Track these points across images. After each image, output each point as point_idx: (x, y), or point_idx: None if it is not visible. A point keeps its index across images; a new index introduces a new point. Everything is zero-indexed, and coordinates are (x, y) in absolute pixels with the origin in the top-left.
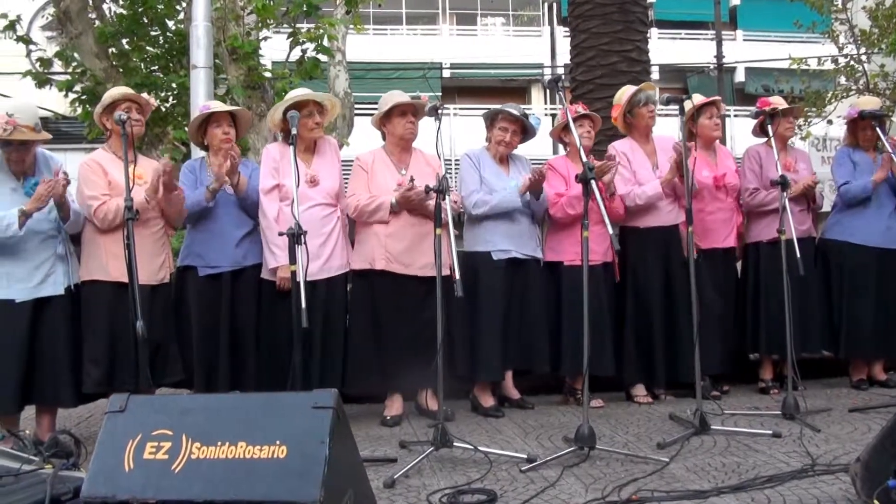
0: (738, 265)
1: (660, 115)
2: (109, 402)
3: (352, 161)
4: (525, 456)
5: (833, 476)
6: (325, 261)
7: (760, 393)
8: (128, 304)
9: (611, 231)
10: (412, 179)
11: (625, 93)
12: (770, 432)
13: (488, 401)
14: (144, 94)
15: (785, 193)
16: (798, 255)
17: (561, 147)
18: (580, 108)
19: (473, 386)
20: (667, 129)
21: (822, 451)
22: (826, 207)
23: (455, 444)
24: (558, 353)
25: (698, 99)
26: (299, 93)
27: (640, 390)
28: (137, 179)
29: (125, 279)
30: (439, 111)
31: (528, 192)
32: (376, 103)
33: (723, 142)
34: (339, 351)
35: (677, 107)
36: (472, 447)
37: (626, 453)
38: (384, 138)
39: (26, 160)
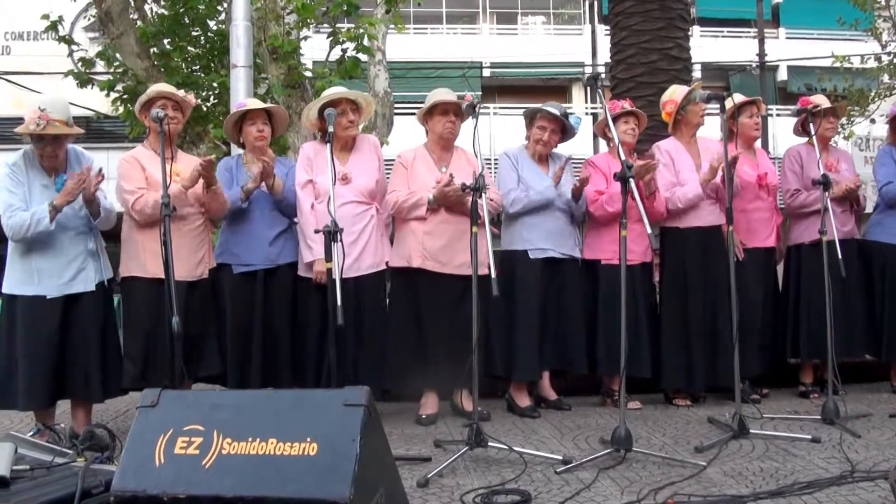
0: (780, 268)
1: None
2: (141, 396)
3: (394, 160)
4: (560, 457)
5: (872, 483)
6: (355, 259)
7: (800, 397)
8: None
9: (649, 231)
10: (451, 176)
11: (677, 90)
12: (809, 437)
13: (524, 401)
14: (182, 92)
15: (827, 194)
16: (840, 256)
17: (603, 144)
18: (626, 105)
19: (509, 386)
20: (707, 127)
21: (861, 458)
22: (869, 208)
23: (490, 443)
24: (596, 354)
25: (739, 98)
26: (333, 91)
27: (678, 393)
28: (175, 176)
29: (163, 275)
30: (476, 108)
31: (560, 184)
32: (416, 102)
33: (764, 141)
34: (371, 349)
35: (718, 105)
36: (506, 447)
37: (662, 456)
38: (427, 135)
39: (59, 155)
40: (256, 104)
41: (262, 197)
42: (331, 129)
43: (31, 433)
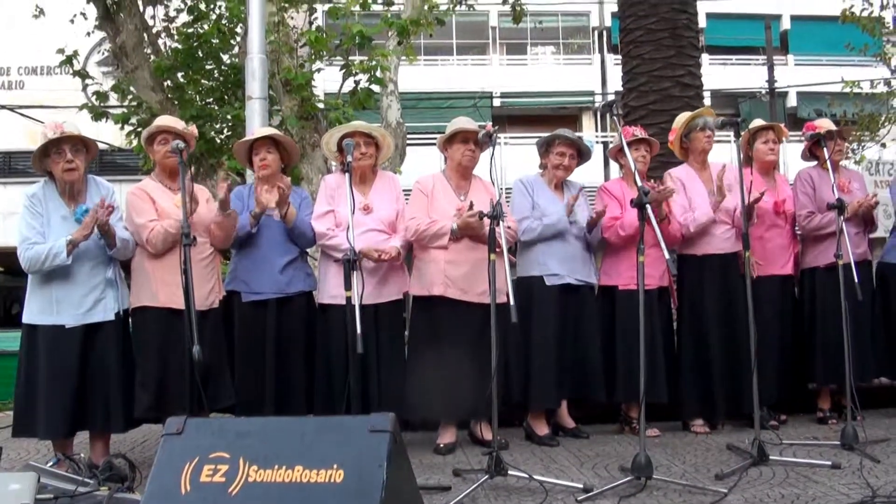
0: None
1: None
2: (166, 424)
3: (409, 190)
4: (581, 485)
5: None
6: (374, 286)
7: (818, 423)
8: (177, 330)
9: (667, 256)
10: (472, 205)
11: (681, 118)
12: (829, 463)
13: (542, 429)
14: (182, 124)
15: (841, 217)
16: (857, 280)
17: (615, 170)
18: (638, 132)
19: (527, 414)
20: (721, 153)
21: (882, 483)
22: (880, 232)
23: (510, 472)
24: (613, 380)
25: (758, 123)
26: (349, 124)
27: (697, 420)
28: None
29: (174, 305)
30: (493, 136)
31: (574, 214)
32: (428, 133)
33: (776, 168)
34: (391, 377)
35: (732, 131)
36: (527, 476)
37: (683, 483)
38: (446, 162)
39: (79, 168)
40: (262, 132)
41: (273, 224)
42: (349, 158)
43: (50, 463)
